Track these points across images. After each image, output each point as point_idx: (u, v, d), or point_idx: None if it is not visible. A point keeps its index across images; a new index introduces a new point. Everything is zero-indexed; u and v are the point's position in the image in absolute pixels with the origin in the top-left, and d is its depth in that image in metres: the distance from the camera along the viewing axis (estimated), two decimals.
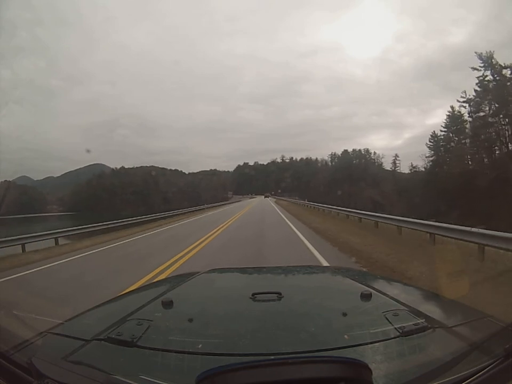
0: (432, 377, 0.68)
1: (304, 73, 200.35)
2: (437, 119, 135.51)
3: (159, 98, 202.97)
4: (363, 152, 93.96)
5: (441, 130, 44.72)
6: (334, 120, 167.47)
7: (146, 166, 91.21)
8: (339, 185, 66.44)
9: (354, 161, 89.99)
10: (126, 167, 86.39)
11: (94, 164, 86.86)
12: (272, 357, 0.75)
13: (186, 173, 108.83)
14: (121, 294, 1.41)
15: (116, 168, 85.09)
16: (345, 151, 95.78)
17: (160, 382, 0.67)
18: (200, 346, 0.82)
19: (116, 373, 0.70)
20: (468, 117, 39.46)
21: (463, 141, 39.54)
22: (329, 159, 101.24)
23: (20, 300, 3.75)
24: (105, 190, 70.92)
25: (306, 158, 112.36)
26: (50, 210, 69.19)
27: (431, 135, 48.09)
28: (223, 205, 41.73)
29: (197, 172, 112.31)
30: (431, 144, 47.57)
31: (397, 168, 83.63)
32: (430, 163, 46.00)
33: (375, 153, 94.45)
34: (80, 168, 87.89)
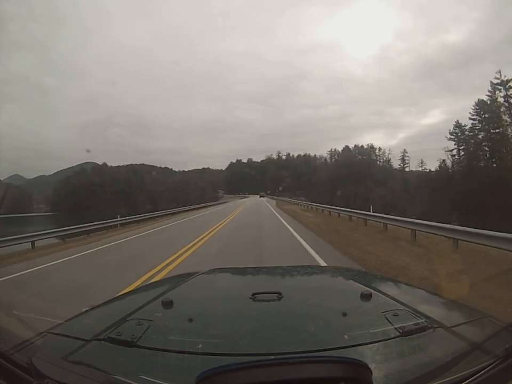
0: (432, 377, 0.68)
1: (302, 72, 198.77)
2: (433, 119, 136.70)
3: (156, 98, 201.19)
4: (365, 148, 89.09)
5: (470, 118, 40.15)
6: (331, 119, 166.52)
7: (136, 164, 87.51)
8: (343, 184, 62.41)
9: (359, 157, 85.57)
10: (109, 165, 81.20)
11: (87, 163, 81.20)
12: (272, 357, 0.75)
13: (176, 170, 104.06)
14: (121, 294, 1.41)
15: (98, 164, 79.18)
16: (347, 147, 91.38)
17: (160, 382, 0.67)
18: (200, 346, 0.82)
19: (116, 373, 0.70)
20: (504, 101, 35.17)
21: (497, 130, 34.70)
22: (329, 156, 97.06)
23: None
24: (86, 189, 66.50)
25: (304, 155, 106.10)
26: (37, 210, 66.08)
27: (455, 125, 43.02)
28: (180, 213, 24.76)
29: (187, 171, 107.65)
30: (454, 136, 42.15)
31: (406, 166, 78.78)
32: (457, 157, 40.04)
33: (380, 149, 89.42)
34: (72, 167, 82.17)
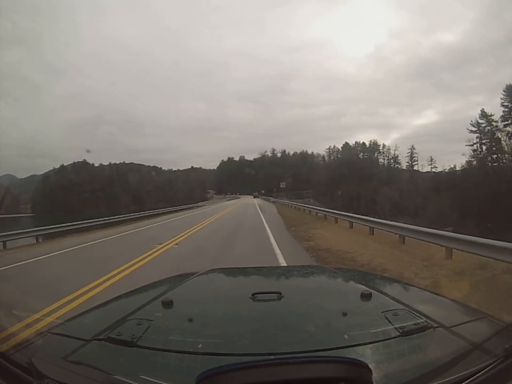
0: (432, 377, 0.68)
1: (295, 71, 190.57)
2: (426, 120, 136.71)
3: (149, 96, 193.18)
4: (368, 145, 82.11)
5: (502, 105, 35.86)
6: (324, 119, 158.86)
7: (124, 163, 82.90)
8: (347, 184, 58.40)
9: (361, 155, 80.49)
10: (98, 163, 76.49)
11: (77, 161, 76.96)
12: (272, 357, 0.75)
13: (166, 169, 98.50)
14: (121, 294, 1.41)
15: (88, 163, 74.00)
16: (346, 143, 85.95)
17: (160, 382, 0.67)
18: (200, 346, 0.82)
19: (116, 373, 0.70)
20: None
21: None
22: (327, 153, 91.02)
23: None
24: (65, 188, 63.10)
25: (301, 152, 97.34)
26: (23, 211, 61.33)
27: (481, 115, 38.34)
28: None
29: (176, 170, 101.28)
30: (476, 128, 37.39)
31: (414, 163, 72.00)
32: (479, 151, 34.74)
33: (384, 145, 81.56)
34: (62, 166, 77.87)
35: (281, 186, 46.87)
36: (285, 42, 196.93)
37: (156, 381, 0.68)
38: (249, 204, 33.62)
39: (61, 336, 0.96)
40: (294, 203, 27.88)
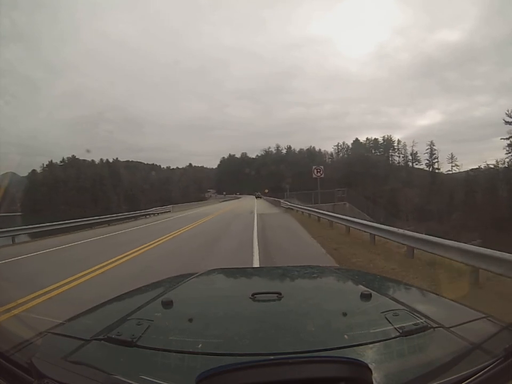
0: (432, 377, 0.68)
1: (296, 69, 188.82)
2: (429, 120, 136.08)
3: (148, 94, 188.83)
4: (381, 142, 77.20)
5: None
6: (326, 119, 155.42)
7: (116, 159, 78.11)
8: (361, 183, 55.35)
9: (374, 152, 76.46)
10: (77, 157, 71.07)
11: (66, 157, 72.26)
12: (272, 357, 0.75)
13: (164, 167, 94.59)
14: (121, 294, 1.41)
15: (64, 159, 69.04)
16: (357, 139, 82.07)
17: (160, 382, 0.67)
18: (200, 346, 0.82)
19: (116, 373, 0.70)
20: None
21: None
22: (335, 150, 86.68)
23: None
24: (51, 187, 59.42)
25: (308, 149, 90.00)
26: (19, 209, 58.50)
27: None
28: None
29: (174, 168, 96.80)
30: None
31: (435, 161, 66.64)
32: None
33: (399, 142, 75.37)
34: (62, 164, 74.19)
35: (315, 175, 19.78)
36: (286, 40, 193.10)
37: (156, 381, 0.68)
38: (241, 214, 19.36)
39: (61, 336, 0.95)
40: (336, 216, 11.39)
